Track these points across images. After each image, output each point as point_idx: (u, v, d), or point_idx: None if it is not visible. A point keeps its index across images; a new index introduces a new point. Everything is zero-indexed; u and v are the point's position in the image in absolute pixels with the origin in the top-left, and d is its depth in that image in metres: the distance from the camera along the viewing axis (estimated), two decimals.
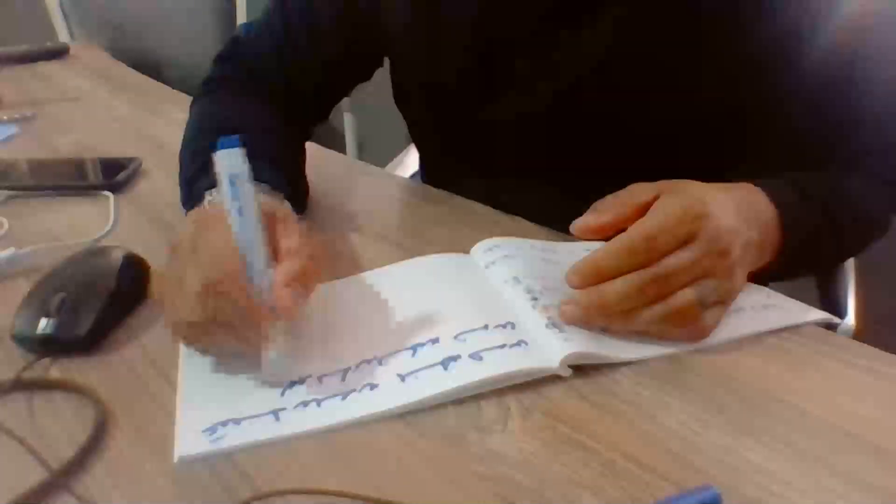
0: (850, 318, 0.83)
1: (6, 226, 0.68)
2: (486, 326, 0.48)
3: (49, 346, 0.48)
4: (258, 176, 0.55)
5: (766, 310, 0.51)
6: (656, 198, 0.48)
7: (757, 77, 0.59)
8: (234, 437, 0.41)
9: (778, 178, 0.56)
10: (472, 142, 0.71)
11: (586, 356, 0.45)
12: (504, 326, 0.48)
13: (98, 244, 0.64)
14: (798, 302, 0.52)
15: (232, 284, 0.43)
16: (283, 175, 0.60)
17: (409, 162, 1.13)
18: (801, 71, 0.57)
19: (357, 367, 0.46)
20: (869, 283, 0.88)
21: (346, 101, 1.70)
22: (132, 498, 0.37)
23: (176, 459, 0.39)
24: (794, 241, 0.53)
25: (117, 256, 0.55)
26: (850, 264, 0.87)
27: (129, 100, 1.11)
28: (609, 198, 0.51)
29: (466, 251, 0.59)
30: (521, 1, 0.62)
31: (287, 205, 0.54)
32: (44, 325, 0.48)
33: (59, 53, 1.38)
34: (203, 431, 0.41)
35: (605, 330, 0.47)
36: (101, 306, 0.50)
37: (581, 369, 0.45)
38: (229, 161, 0.43)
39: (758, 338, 0.48)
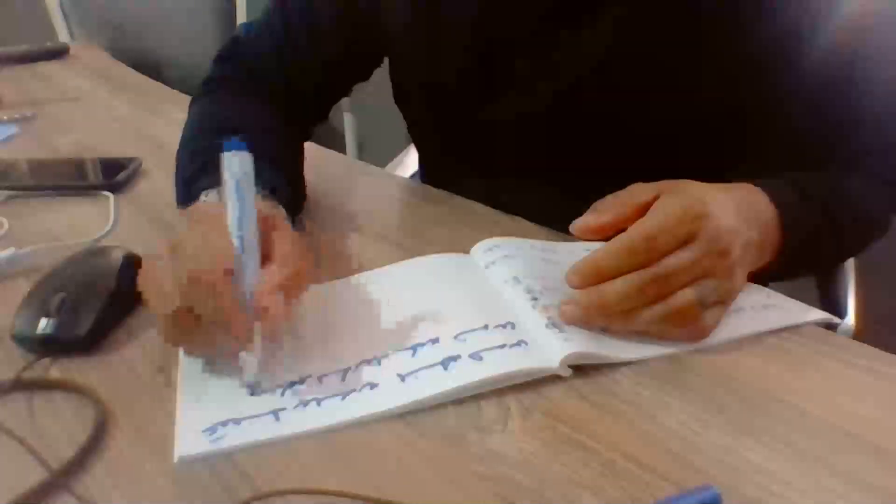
0: (850, 318, 0.83)
1: (6, 226, 0.68)
2: (486, 326, 0.48)
3: (49, 346, 0.48)
4: (258, 176, 0.56)
5: (766, 310, 0.51)
6: (656, 198, 0.48)
7: (757, 77, 0.59)
8: (234, 437, 0.41)
9: (778, 178, 0.56)
10: (472, 142, 0.71)
11: (586, 356, 0.45)
12: (504, 326, 0.48)
13: (98, 244, 0.64)
14: (798, 302, 0.52)
15: (218, 279, 0.42)
16: (283, 176, 0.60)
17: (409, 162, 1.13)
18: (801, 71, 0.57)
19: (357, 367, 0.46)
20: (869, 283, 0.88)
21: (346, 101, 1.71)
22: (132, 498, 0.37)
23: (176, 459, 0.39)
24: (794, 241, 0.53)
25: (117, 256, 0.55)
26: (850, 264, 0.87)
27: (129, 100, 1.11)
28: (609, 198, 0.51)
29: (466, 251, 0.59)
30: (521, 1, 0.63)
31: (281, 209, 0.54)
32: (44, 325, 0.48)
33: (59, 53, 1.38)
34: (203, 431, 0.41)
35: (605, 330, 0.47)
36: (101, 306, 0.50)
37: (581, 369, 0.45)
38: (237, 163, 0.43)
39: (758, 338, 0.48)
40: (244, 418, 0.42)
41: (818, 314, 0.51)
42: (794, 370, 0.45)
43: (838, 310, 0.84)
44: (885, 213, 0.63)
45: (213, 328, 0.43)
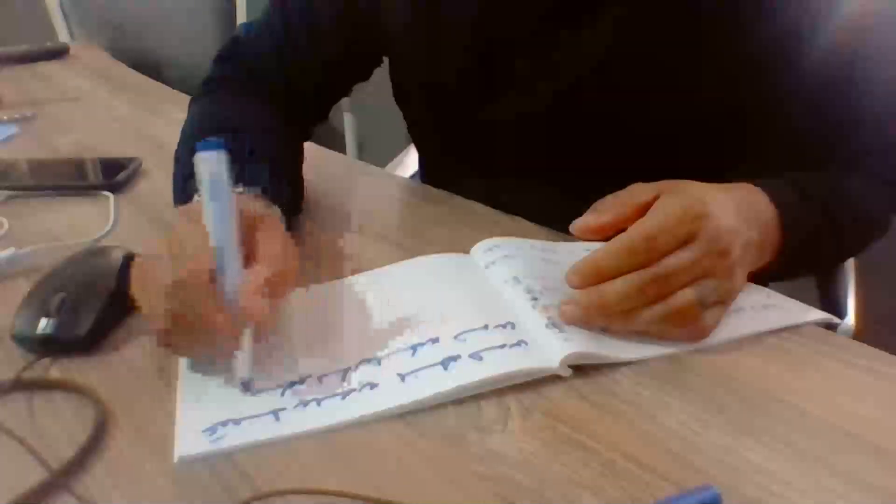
0: (850, 318, 0.83)
1: (6, 226, 0.68)
2: (486, 326, 0.48)
3: (49, 346, 0.48)
4: (258, 177, 0.55)
5: (766, 310, 0.51)
6: (656, 198, 0.48)
7: (757, 77, 0.59)
8: (234, 437, 0.41)
9: (778, 178, 0.56)
10: (472, 142, 0.71)
11: (586, 356, 0.45)
12: (504, 326, 0.48)
13: (98, 244, 0.64)
14: (798, 302, 0.52)
15: (200, 281, 0.42)
16: (283, 176, 0.60)
17: (409, 162, 1.13)
18: (801, 71, 0.57)
19: (357, 367, 0.46)
20: (869, 283, 0.88)
21: (346, 101, 1.71)
22: (132, 498, 0.37)
23: (176, 459, 0.39)
24: (794, 241, 0.53)
25: (117, 256, 0.55)
26: (850, 264, 0.87)
27: (129, 100, 1.11)
28: (609, 198, 0.51)
29: (466, 251, 0.59)
30: (521, 1, 0.62)
31: (276, 208, 0.53)
32: (44, 325, 0.48)
33: (59, 53, 1.38)
34: (203, 431, 0.41)
35: (605, 330, 0.47)
36: (101, 306, 0.50)
37: (581, 369, 0.45)
38: (212, 164, 0.43)
39: (758, 338, 0.48)
40: (244, 418, 0.42)
41: (818, 314, 0.51)
42: (794, 370, 0.45)
43: (838, 310, 0.84)
44: (885, 213, 0.63)
45: (199, 329, 0.42)
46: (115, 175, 0.76)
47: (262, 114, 0.70)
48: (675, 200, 0.47)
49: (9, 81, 1.21)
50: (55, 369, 0.47)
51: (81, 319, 0.49)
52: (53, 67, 1.31)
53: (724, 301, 0.48)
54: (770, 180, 0.55)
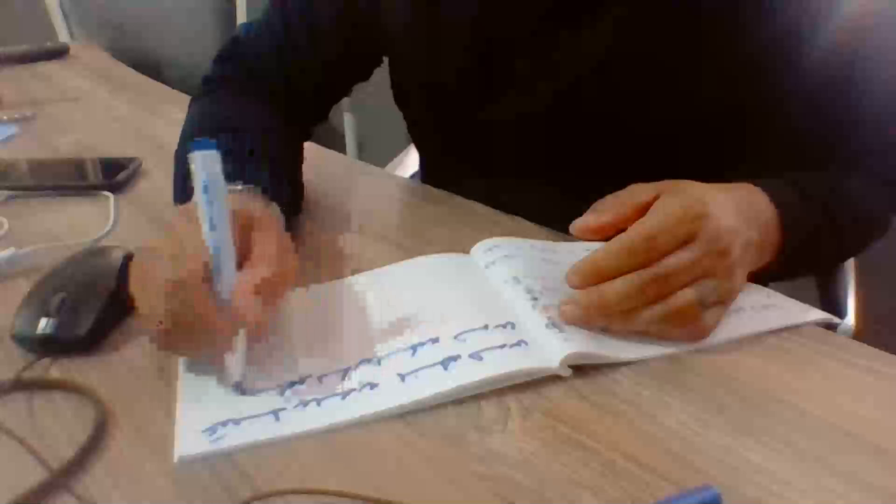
0: (850, 318, 0.83)
1: (6, 226, 0.68)
2: (486, 326, 0.48)
3: (49, 346, 0.48)
4: (258, 176, 0.55)
5: (766, 310, 0.51)
6: (656, 198, 0.48)
7: (757, 77, 0.59)
8: (234, 437, 0.41)
9: (778, 178, 0.56)
10: (472, 142, 0.71)
11: (586, 356, 0.45)
12: (504, 326, 0.48)
13: (98, 244, 0.64)
14: (798, 302, 0.52)
15: (194, 282, 0.42)
16: (283, 176, 0.60)
17: (409, 162, 1.13)
18: (801, 71, 0.57)
19: (357, 367, 0.46)
20: (869, 283, 0.88)
21: (346, 101, 1.71)
22: (132, 498, 0.37)
23: (176, 459, 0.39)
24: (794, 241, 0.53)
25: (117, 256, 0.55)
26: (850, 264, 0.87)
27: (129, 100, 1.11)
28: (609, 198, 0.51)
29: (466, 251, 0.59)
30: (521, 1, 0.62)
31: (276, 208, 0.53)
32: (44, 325, 0.48)
33: (59, 53, 1.38)
34: (203, 431, 0.41)
35: (605, 330, 0.47)
36: (101, 306, 0.50)
37: (581, 369, 0.45)
38: (205, 164, 0.42)
39: (758, 338, 0.48)
40: (244, 418, 0.42)
41: (818, 314, 0.51)
42: (794, 370, 0.45)
43: (838, 310, 0.84)
44: (885, 213, 0.63)
45: (194, 330, 0.42)
46: (115, 175, 0.76)
47: (262, 114, 0.70)
48: (675, 200, 0.47)
49: (9, 81, 1.21)
50: (55, 369, 0.47)
51: (81, 319, 0.49)
52: (53, 67, 1.31)
53: (724, 301, 0.48)
54: (770, 180, 0.55)
